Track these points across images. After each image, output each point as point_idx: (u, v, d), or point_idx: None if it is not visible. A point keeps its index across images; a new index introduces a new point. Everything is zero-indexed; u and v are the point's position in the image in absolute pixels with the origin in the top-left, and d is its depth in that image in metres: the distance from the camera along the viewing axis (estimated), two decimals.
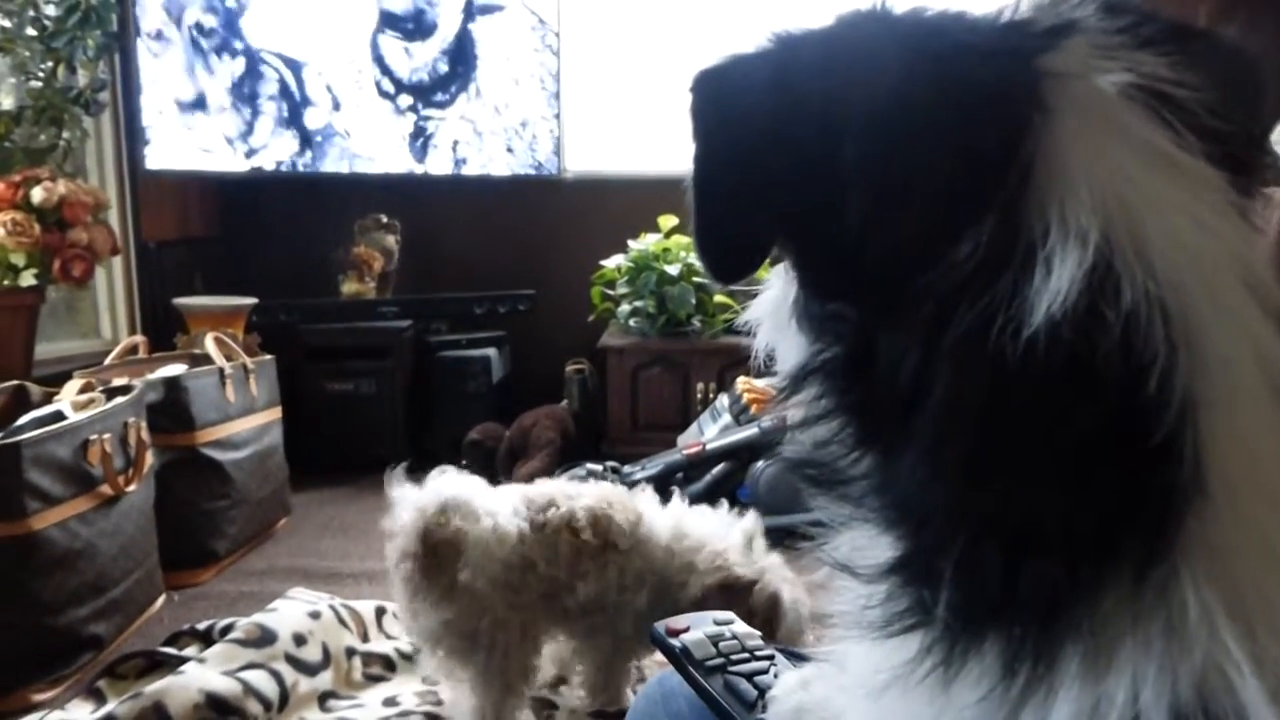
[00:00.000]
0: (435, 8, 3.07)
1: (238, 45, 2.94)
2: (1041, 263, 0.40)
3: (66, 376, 1.95)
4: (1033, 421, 0.41)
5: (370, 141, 3.07)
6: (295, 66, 2.99)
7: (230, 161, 2.98)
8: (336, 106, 3.03)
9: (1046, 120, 0.43)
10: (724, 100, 0.52)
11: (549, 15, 3.17)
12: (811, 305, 0.50)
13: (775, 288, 0.56)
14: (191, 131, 2.92)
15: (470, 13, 3.10)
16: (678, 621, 1.06)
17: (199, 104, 2.93)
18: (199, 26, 2.91)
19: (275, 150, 3.01)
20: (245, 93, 2.96)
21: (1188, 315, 0.40)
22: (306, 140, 3.02)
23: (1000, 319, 0.40)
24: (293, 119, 3.00)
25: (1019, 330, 0.40)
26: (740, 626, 1.04)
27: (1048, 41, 0.45)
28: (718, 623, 1.07)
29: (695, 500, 2.46)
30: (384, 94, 3.07)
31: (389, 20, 3.05)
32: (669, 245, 2.98)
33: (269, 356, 2.42)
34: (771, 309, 0.56)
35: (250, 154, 3.00)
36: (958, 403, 0.42)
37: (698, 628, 1.05)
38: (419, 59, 3.08)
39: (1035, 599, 0.41)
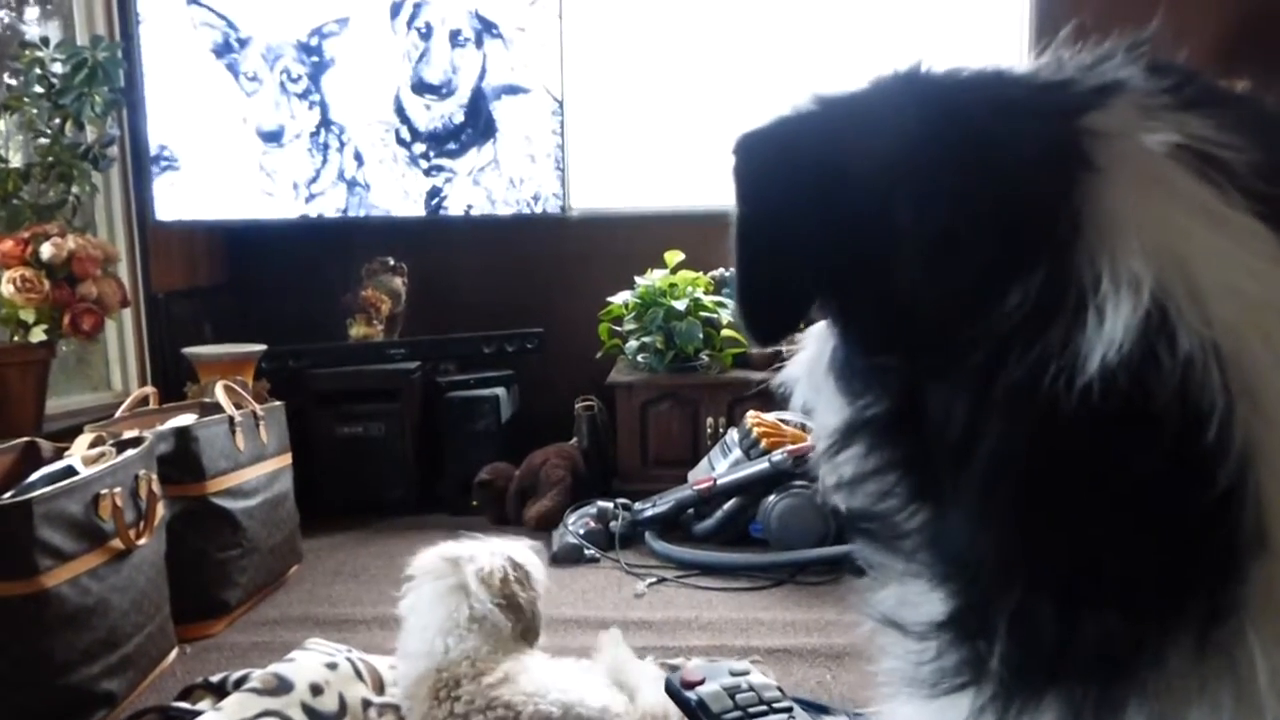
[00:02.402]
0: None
1: (315, 97, 3.02)
2: (1094, 311, 0.40)
3: (77, 430, 1.96)
4: (1088, 470, 0.41)
5: (389, 196, 3.11)
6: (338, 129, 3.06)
7: (289, 206, 3.05)
8: (359, 160, 3.08)
9: (1094, 177, 0.43)
10: (768, 164, 0.52)
11: (555, 55, 3.20)
12: (855, 359, 0.50)
13: (811, 347, 0.56)
14: (263, 175, 3.00)
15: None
16: (693, 673, 1.06)
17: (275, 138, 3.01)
18: (288, 73, 3.01)
19: (333, 198, 3.08)
20: (321, 142, 3.04)
21: (1245, 363, 0.39)
22: (350, 189, 3.07)
23: (1053, 367, 0.40)
24: (342, 170, 3.06)
25: (1073, 378, 0.40)
26: (757, 677, 1.03)
27: (1093, 100, 0.46)
28: (733, 673, 1.06)
29: (708, 536, 2.47)
30: (402, 142, 3.11)
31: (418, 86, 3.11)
32: (675, 281, 2.98)
33: (278, 403, 2.42)
34: (808, 368, 0.56)
35: (310, 199, 3.07)
36: (1009, 452, 0.42)
37: (713, 679, 1.04)
38: (435, 113, 3.13)
39: (1095, 655, 0.40)
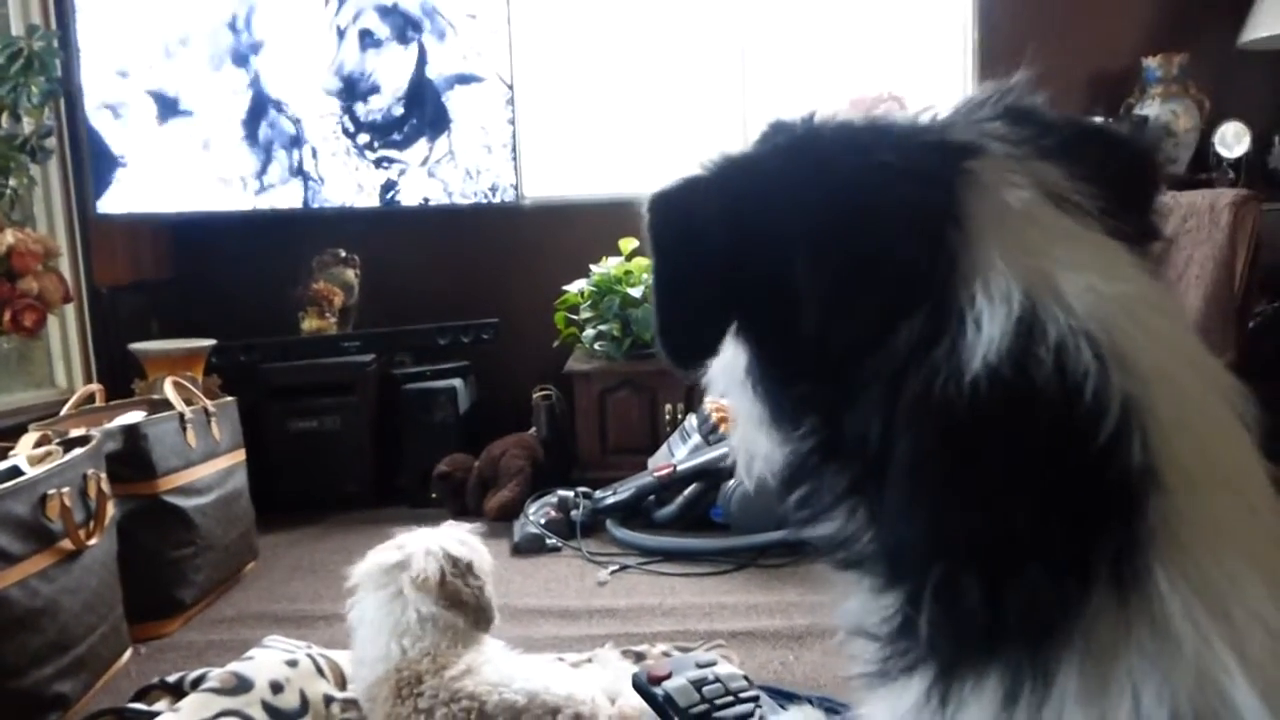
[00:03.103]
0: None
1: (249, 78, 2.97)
2: (972, 323, 0.46)
3: (20, 429, 1.91)
4: (987, 450, 0.45)
5: (340, 189, 3.06)
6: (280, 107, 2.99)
7: (236, 199, 2.99)
8: (313, 153, 3.02)
9: (963, 230, 0.50)
10: (677, 222, 0.58)
11: (506, 46, 3.17)
12: (776, 393, 0.56)
13: (726, 354, 0.61)
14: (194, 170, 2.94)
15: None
16: (659, 668, 1.06)
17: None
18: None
19: (283, 190, 3.02)
20: (264, 132, 2.99)
21: (1115, 339, 0.45)
22: (305, 181, 3.02)
23: (942, 374, 0.46)
24: (300, 165, 3.01)
25: (960, 378, 0.45)
26: (724, 668, 1.04)
27: (962, 156, 0.52)
28: (700, 665, 1.07)
29: (669, 522, 2.47)
30: (348, 134, 3.06)
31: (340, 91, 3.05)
32: (630, 268, 2.97)
33: (230, 398, 2.38)
34: (725, 370, 0.62)
35: (260, 191, 3.01)
36: (918, 453, 0.47)
37: (680, 673, 1.04)
38: (372, 106, 3.08)
39: (1022, 617, 0.43)
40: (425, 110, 3.12)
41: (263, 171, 3.00)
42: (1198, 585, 0.41)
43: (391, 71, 3.09)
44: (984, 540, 0.44)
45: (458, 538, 1.52)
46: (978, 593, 0.44)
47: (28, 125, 2.52)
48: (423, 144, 3.13)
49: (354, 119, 3.07)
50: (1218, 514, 0.43)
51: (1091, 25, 3.31)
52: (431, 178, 3.15)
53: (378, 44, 3.07)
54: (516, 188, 3.26)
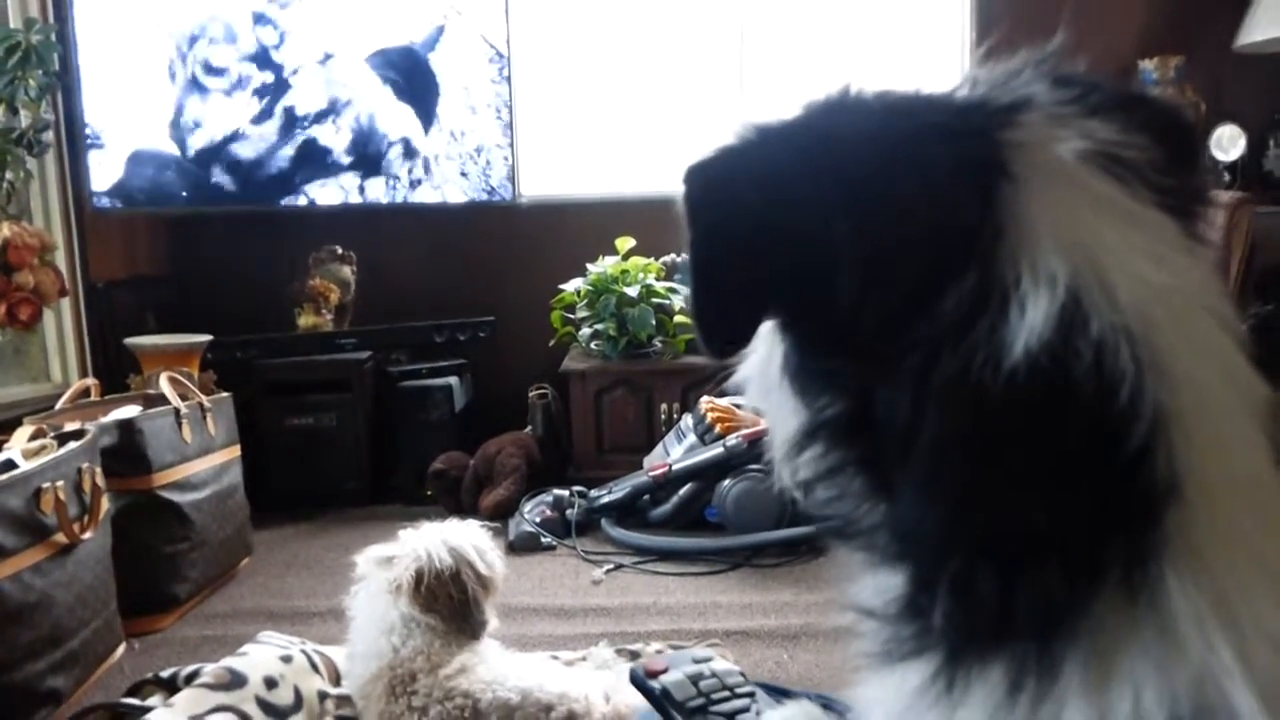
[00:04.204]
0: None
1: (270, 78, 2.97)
2: (1016, 305, 0.45)
3: (15, 422, 1.90)
4: (1017, 443, 0.45)
5: (336, 184, 3.05)
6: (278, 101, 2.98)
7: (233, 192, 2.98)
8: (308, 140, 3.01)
9: (1013, 186, 0.48)
10: (714, 192, 0.55)
11: (503, 45, 3.17)
12: (807, 364, 0.54)
13: (760, 350, 0.59)
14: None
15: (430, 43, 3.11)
16: (656, 662, 1.06)
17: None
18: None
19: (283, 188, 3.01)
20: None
21: (1154, 339, 0.44)
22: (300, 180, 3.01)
23: (980, 356, 0.45)
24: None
25: (999, 364, 0.44)
26: (720, 664, 1.05)
27: (1007, 116, 0.51)
28: (696, 661, 1.07)
29: (664, 521, 2.47)
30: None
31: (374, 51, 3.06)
32: (627, 267, 2.98)
33: (226, 394, 2.38)
34: (759, 370, 0.60)
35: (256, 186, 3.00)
36: (947, 435, 0.46)
37: (677, 668, 1.05)
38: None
39: (1033, 612, 0.43)
40: (421, 104, 3.12)
41: (258, 166, 3.00)
42: (1207, 593, 0.42)
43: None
44: (1005, 534, 0.45)
45: (471, 541, 1.48)
46: (993, 585, 0.44)
47: (25, 118, 2.52)
48: (418, 139, 3.12)
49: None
50: (1234, 526, 0.43)
51: (1089, 26, 3.31)
52: (428, 175, 3.14)
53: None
54: (513, 186, 3.26)
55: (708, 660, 1.10)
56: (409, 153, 3.12)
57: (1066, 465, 0.44)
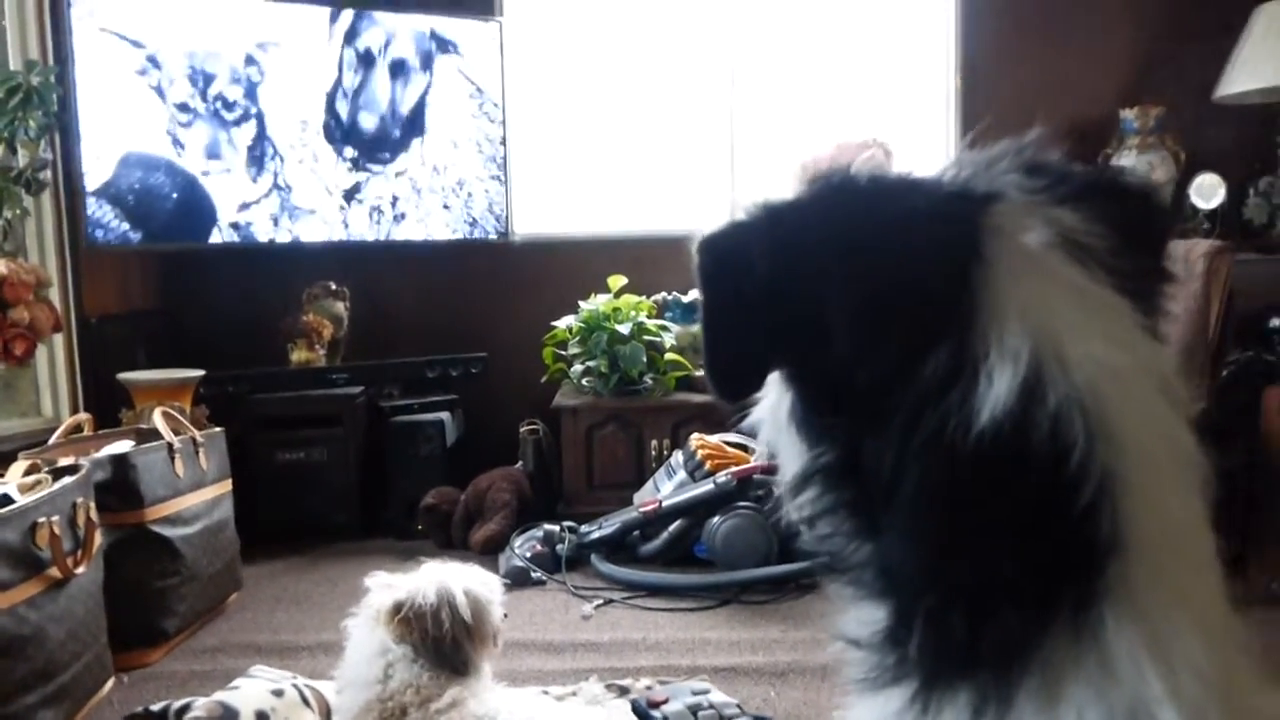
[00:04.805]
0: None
1: (253, 111, 3.00)
2: (985, 376, 0.51)
3: (9, 456, 1.92)
4: (982, 499, 0.51)
5: (313, 196, 3.08)
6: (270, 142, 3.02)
7: (224, 229, 3.01)
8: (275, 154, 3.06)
9: (986, 269, 0.54)
10: (724, 262, 0.62)
11: (487, 85, 3.23)
12: (807, 415, 0.61)
13: (771, 395, 0.65)
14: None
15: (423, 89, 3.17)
16: (658, 694, 1.10)
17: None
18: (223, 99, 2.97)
19: (265, 208, 3.04)
20: (256, 155, 3.02)
21: (1103, 411, 0.50)
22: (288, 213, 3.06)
23: (953, 421, 0.51)
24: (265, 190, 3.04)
25: (969, 428, 0.50)
26: (717, 696, 1.09)
27: (984, 205, 0.57)
28: (695, 693, 1.11)
29: (653, 558, 2.49)
30: (331, 139, 3.10)
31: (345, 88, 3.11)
32: (619, 305, 3.01)
33: (218, 429, 2.39)
34: (770, 413, 0.65)
35: (242, 207, 3.03)
36: (923, 488, 0.52)
37: (677, 699, 1.09)
38: (368, 120, 3.14)
39: (993, 647, 0.50)
40: (414, 142, 3.17)
41: (253, 202, 3.03)
42: (1142, 632, 0.48)
43: (383, 102, 3.14)
44: (971, 578, 0.51)
45: (466, 587, 1.48)
46: (961, 624, 0.51)
47: (23, 157, 2.55)
48: (411, 175, 3.17)
49: (342, 138, 3.11)
50: (1168, 575, 0.50)
51: (1070, 75, 3.40)
52: (420, 202, 3.19)
53: (371, 72, 3.12)
54: (506, 224, 3.31)
55: (706, 693, 1.14)
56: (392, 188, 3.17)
57: (1024, 520, 0.50)
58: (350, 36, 3.10)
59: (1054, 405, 0.50)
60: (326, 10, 3.06)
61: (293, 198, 3.07)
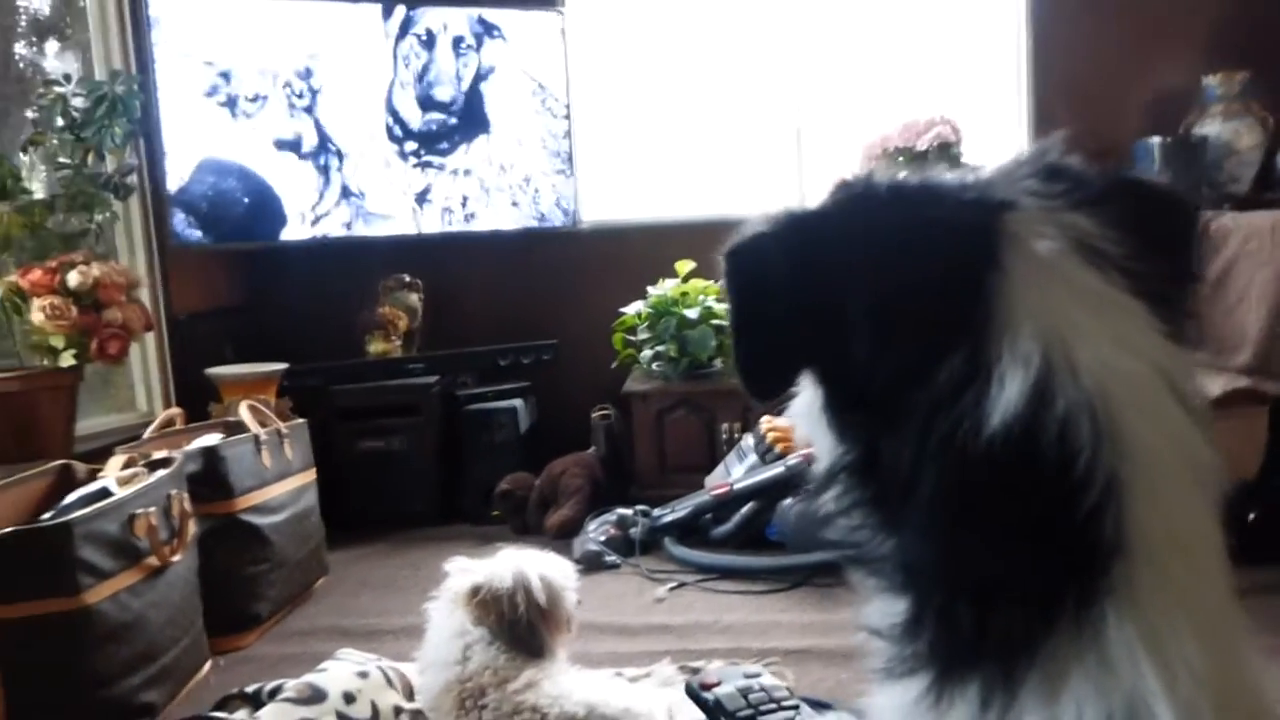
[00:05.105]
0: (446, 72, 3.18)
1: (316, 120, 3.09)
2: (997, 380, 0.53)
3: (106, 451, 2.02)
4: (992, 500, 0.53)
5: (385, 200, 3.16)
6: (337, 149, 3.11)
7: (302, 228, 3.10)
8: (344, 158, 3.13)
9: (1001, 276, 0.56)
10: (750, 271, 0.65)
11: (550, 78, 3.26)
12: (832, 414, 0.64)
13: (806, 391, 0.68)
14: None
15: (479, 75, 3.22)
16: (710, 676, 1.14)
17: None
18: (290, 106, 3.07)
19: (336, 218, 3.14)
20: (321, 164, 3.11)
21: (1112, 415, 0.52)
22: (349, 213, 3.14)
23: (967, 423, 0.53)
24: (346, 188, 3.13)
25: (980, 431, 0.52)
26: (768, 679, 1.12)
27: (1001, 213, 0.58)
28: (747, 676, 1.14)
29: (726, 540, 2.51)
30: (394, 139, 3.17)
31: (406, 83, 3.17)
32: (687, 290, 3.03)
33: (301, 420, 2.47)
34: (805, 409, 0.68)
35: (315, 221, 3.12)
36: (937, 489, 0.55)
37: (729, 682, 1.12)
38: (430, 115, 3.20)
39: (1000, 642, 0.52)
40: (481, 132, 3.22)
41: (319, 201, 3.11)
42: (1142, 631, 0.50)
43: (448, 93, 3.20)
44: (980, 577, 0.54)
45: (541, 572, 1.53)
46: (970, 619, 0.53)
47: (110, 163, 2.66)
48: (475, 158, 3.22)
49: (403, 135, 3.17)
50: (1170, 577, 0.52)
51: (1148, 44, 3.29)
52: (489, 200, 3.24)
53: (464, 52, 3.19)
54: (574, 212, 3.34)
55: (757, 675, 1.17)
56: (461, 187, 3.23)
57: (1032, 521, 0.53)
58: (406, 27, 3.15)
59: (1062, 409, 0.52)
60: (378, 7, 3.12)
61: (366, 204, 3.14)
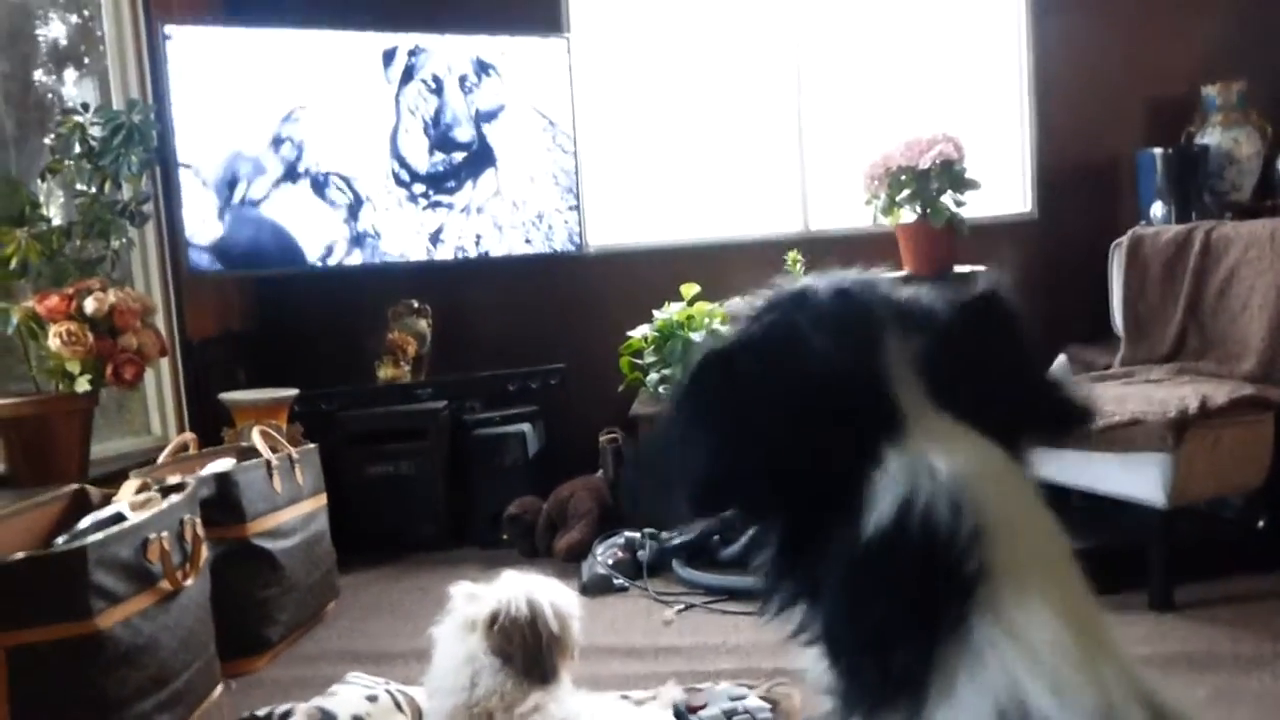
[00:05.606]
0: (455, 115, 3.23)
1: (303, 169, 3.13)
2: (870, 506, 0.67)
3: (121, 474, 2.04)
4: (875, 578, 0.66)
5: (399, 239, 3.21)
6: (347, 180, 3.16)
7: (312, 255, 3.14)
8: (362, 204, 3.18)
9: (879, 425, 0.69)
10: (706, 389, 0.77)
11: (557, 110, 3.31)
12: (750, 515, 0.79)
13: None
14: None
15: (480, 118, 3.27)
16: (697, 699, 1.16)
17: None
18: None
19: (336, 252, 3.17)
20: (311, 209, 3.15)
21: (967, 494, 0.65)
22: (358, 242, 3.18)
23: (850, 537, 0.67)
24: (347, 225, 3.18)
25: (859, 538, 0.66)
26: (753, 701, 1.15)
27: (875, 365, 0.72)
28: (732, 699, 1.16)
29: (734, 561, 2.52)
30: (401, 184, 3.21)
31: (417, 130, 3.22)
32: (692, 313, 3.05)
33: (312, 445, 2.50)
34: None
35: (325, 255, 3.16)
36: (835, 585, 0.69)
37: (714, 704, 1.14)
38: (438, 157, 3.24)
39: (901, 680, 0.64)
40: (486, 162, 3.26)
41: (339, 246, 3.16)
42: (1005, 628, 0.61)
43: (467, 133, 3.24)
44: (876, 634, 0.66)
45: (551, 599, 1.54)
46: (874, 667, 0.66)
47: (127, 191, 2.71)
48: (484, 194, 3.26)
49: (411, 172, 3.21)
50: (1026, 585, 0.63)
51: (1148, 55, 3.33)
52: (496, 228, 3.28)
53: (469, 90, 3.23)
54: (580, 237, 3.38)
55: (742, 698, 1.20)
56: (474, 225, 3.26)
57: (909, 582, 0.64)
58: (409, 74, 3.20)
59: (925, 500, 0.65)
60: (379, 51, 3.17)
61: (381, 245, 3.19)
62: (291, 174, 3.10)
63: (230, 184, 3.03)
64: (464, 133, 3.26)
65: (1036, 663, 0.60)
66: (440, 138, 3.24)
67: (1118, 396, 2.27)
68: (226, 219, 3.03)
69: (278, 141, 3.07)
